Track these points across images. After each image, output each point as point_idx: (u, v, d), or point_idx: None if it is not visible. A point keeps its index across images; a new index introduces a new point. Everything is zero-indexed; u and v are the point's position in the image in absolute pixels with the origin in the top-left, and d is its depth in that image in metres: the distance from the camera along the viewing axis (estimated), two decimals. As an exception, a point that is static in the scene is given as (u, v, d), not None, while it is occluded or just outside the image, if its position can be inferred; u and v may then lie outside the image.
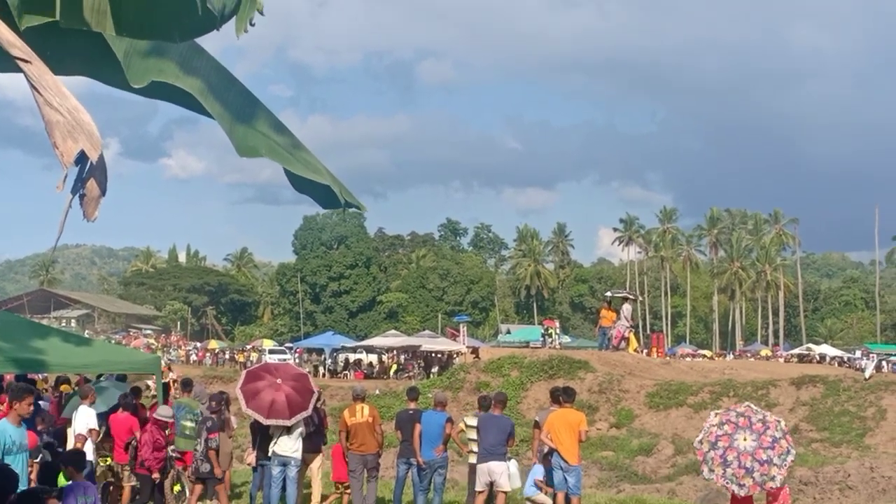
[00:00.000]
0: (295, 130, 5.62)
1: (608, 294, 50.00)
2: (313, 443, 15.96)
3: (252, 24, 4.81)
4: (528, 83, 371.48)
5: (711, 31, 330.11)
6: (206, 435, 14.79)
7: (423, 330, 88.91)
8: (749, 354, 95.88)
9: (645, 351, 49.44)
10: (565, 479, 14.59)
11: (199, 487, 15.22)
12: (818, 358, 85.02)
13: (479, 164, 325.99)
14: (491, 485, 15.02)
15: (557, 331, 66.17)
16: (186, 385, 17.75)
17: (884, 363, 71.36)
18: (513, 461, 15.42)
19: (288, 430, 14.86)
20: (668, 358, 57.63)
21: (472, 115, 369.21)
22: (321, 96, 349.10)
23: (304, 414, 14.98)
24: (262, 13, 4.81)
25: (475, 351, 54.34)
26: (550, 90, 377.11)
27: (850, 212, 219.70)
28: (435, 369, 56.13)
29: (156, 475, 15.14)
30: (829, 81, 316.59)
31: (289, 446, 14.89)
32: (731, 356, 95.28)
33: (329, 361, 68.88)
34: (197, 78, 5.29)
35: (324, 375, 61.90)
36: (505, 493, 15.08)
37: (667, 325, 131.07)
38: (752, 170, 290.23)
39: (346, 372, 63.60)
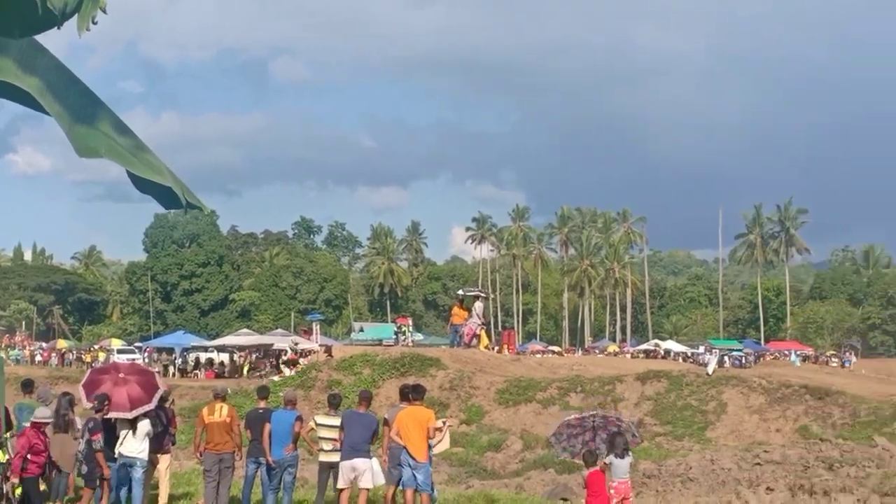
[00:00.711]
0: (145, 127, 5.62)
1: (460, 292, 50.35)
2: (161, 443, 15.72)
3: (95, 23, 4.79)
4: (382, 81, 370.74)
5: (564, 31, 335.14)
6: (89, 436, 14.37)
7: (276, 328, 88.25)
8: (597, 350, 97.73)
9: (496, 348, 50.02)
10: (414, 476, 14.69)
11: (88, 492, 14.77)
12: (664, 353, 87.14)
13: (334, 163, 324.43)
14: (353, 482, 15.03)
15: (410, 328, 66.36)
16: (27, 386, 17.26)
17: (726, 358, 73.54)
18: (375, 459, 15.45)
19: (133, 431, 14.61)
20: (518, 355, 58.42)
21: (327, 114, 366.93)
22: (173, 93, 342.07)
23: (147, 408, 14.70)
24: (104, 12, 4.79)
25: (328, 349, 54.16)
26: (405, 89, 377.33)
27: (695, 211, 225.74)
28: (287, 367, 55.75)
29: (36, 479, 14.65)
30: (676, 82, 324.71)
31: (134, 447, 14.62)
32: (580, 352, 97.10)
33: (179, 361, 67.84)
34: (36, 77, 5.24)
35: (174, 375, 60.95)
36: (367, 490, 15.11)
37: (518, 322, 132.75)
38: (602, 169, 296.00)
39: (197, 371, 62.78)
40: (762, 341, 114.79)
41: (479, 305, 44.47)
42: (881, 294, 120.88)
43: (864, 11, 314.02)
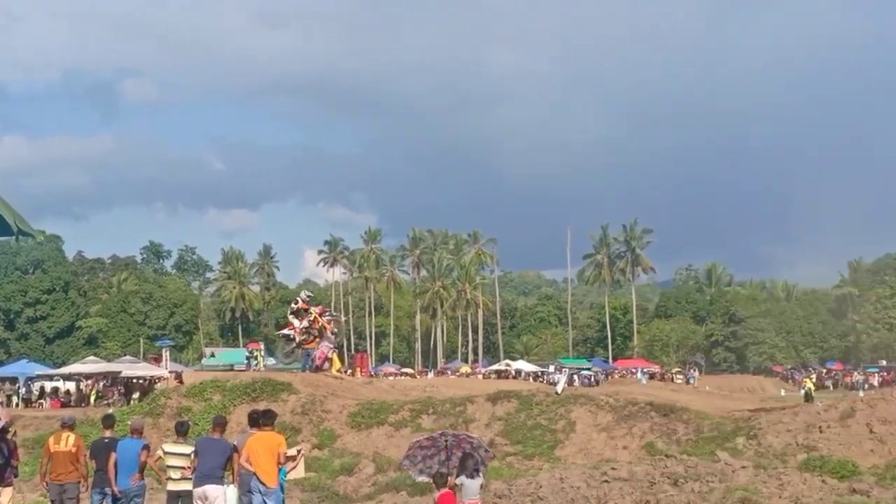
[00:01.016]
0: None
1: (312, 317, 50.13)
2: (2, 476, 15.30)
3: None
4: (233, 103, 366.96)
5: (415, 53, 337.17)
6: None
7: (125, 355, 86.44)
8: (450, 372, 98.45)
9: (349, 371, 50.00)
10: (264, 502, 14.65)
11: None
12: (515, 373, 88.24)
13: (184, 186, 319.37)
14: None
15: (262, 353, 65.88)
16: None
17: (575, 377, 74.89)
18: (231, 486, 15.28)
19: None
20: (371, 377, 58.49)
21: (177, 136, 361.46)
22: (17, 115, 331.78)
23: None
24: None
25: (178, 376, 53.29)
26: (256, 111, 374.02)
27: (545, 231, 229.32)
28: (136, 395, 54.66)
29: None
30: (525, 104, 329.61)
31: (-28, 480, 14.25)
32: (433, 374, 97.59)
33: (23, 390, 65.77)
34: None
35: (17, 405, 59.10)
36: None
37: (371, 344, 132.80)
38: (453, 191, 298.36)
39: (42, 401, 60.98)
40: (610, 359, 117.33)
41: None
42: (723, 311, 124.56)
43: (710, 37, 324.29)
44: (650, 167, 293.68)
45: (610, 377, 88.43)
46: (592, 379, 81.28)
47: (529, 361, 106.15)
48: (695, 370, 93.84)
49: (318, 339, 37.16)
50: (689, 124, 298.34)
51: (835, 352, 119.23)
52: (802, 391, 59.90)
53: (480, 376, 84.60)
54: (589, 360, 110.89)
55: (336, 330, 31.34)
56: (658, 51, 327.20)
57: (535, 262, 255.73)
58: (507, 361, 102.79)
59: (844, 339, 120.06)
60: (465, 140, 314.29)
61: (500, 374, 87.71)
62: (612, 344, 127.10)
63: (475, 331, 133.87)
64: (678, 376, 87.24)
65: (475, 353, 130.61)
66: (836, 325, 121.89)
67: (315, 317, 32.16)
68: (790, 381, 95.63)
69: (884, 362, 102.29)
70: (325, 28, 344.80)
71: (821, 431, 30.10)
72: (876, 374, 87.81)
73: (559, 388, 41.01)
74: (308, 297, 32.60)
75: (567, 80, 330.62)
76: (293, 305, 32.78)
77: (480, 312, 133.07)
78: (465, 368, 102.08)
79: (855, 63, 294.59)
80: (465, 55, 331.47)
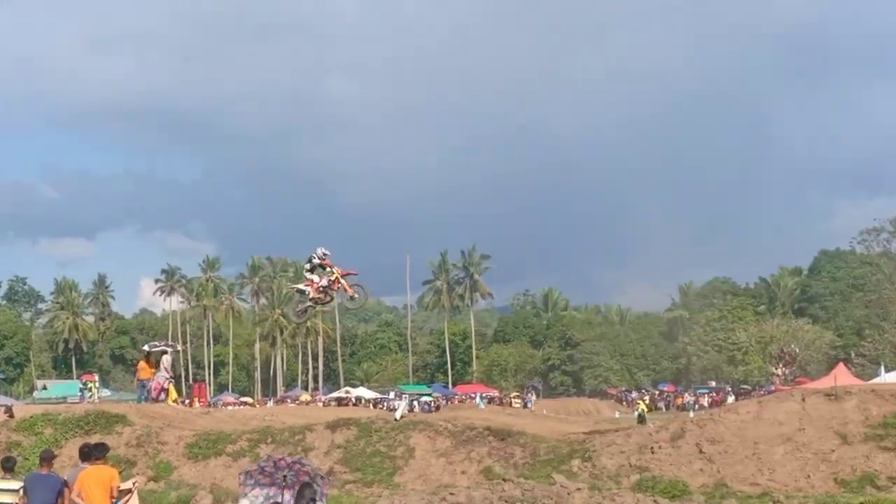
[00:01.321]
0: None
1: (146, 347, 49.23)
2: None
3: None
4: (66, 130, 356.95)
5: (253, 80, 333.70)
6: None
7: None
8: (290, 400, 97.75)
9: (186, 401, 49.27)
10: (95, 536, 14.40)
11: None
12: (355, 401, 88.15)
13: (14, 214, 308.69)
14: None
15: (97, 385, 64.43)
16: None
17: (415, 403, 75.27)
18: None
19: None
20: (209, 407, 57.71)
21: (7, 163, 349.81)
22: None
23: None
24: None
25: (9, 410, 51.57)
26: (90, 138, 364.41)
27: (384, 258, 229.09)
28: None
29: None
30: (363, 131, 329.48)
31: None
32: (273, 402, 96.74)
33: None
34: None
35: None
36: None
37: (210, 374, 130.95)
38: (293, 218, 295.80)
39: None
40: (450, 385, 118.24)
41: (166, 359, 43.78)
42: (560, 336, 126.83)
43: (539, 63, 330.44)
44: (487, 193, 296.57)
45: (450, 402, 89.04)
46: (432, 405, 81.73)
47: (370, 388, 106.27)
48: (532, 394, 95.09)
49: (330, 302, 35.85)
50: (523, 150, 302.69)
51: (667, 373, 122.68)
52: (636, 413, 61.46)
53: (320, 404, 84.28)
54: (429, 386, 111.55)
55: (357, 295, 30.02)
56: (490, 78, 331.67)
57: (375, 289, 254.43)
58: (347, 388, 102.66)
59: (676, 361, 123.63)
60: (304, 167, 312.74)
61: (341, 402, 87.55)
62: (452, 369, 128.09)
63: (315, 358, 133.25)
64: (516, 400, 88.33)
65: (315, 380, 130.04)
66: (668, 347, 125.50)
67: (336, 277, 30.38)
68: (624, 403, 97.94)
69: (713, 383, 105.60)
70: (160, 54, 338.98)
71: (653, 452, 30.91)
72: (706, 395, 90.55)
73: (398, 415, 41.17)
74: (325, 253, 30.86)
75: (403, 107, 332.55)
76: (313, 260, 30.83)
77: (320, 340, 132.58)
78: (306, 396, 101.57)
79: (678, 88, 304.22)
80: (303, 83, 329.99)
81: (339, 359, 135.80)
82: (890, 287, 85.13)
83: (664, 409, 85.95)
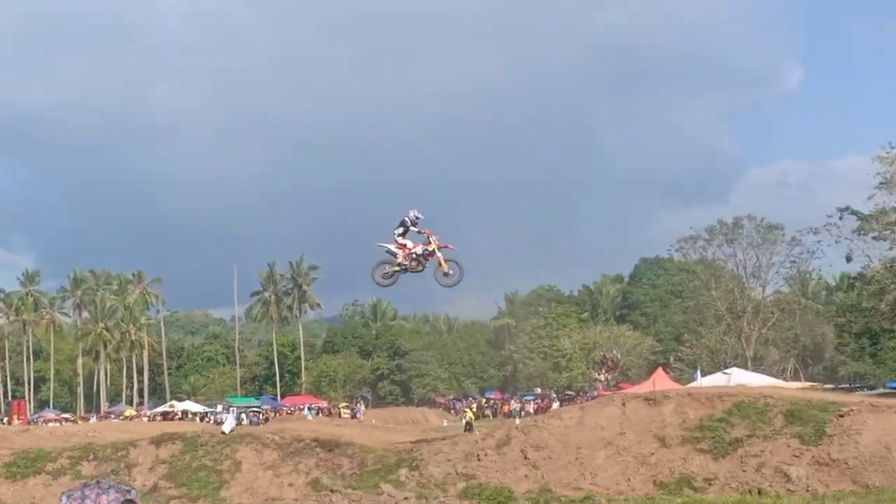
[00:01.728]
0: None
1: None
2: None
3: None
4: None
5: (75, 88, 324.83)
6: None
7: None
8: (114, 415, 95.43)
9: (5, 419, 47.67)
10: None
11: None
12: (181, 414, 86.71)
13: None
14: None
15: None
16: None
17: (243, 416, 74.45)
18: None
19: None
20: (29, 425, 55.95)
21: None
22: None
23: None
24: None
25: None
26: None
27: (212, 269, 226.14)
28: None
29: None
30: (190, 141, 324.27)
31: None
32: (96, 418, 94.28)
33: None
34: None
35: None
36: None
37: (30, 390, 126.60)
38: (118, 230, 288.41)
39: None
40: (279, 396, 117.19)
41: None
42: (388, 345, 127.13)
43: (359, 76, 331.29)
44: (314, 202, 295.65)
45: (278, 414, 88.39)
46: (261, 417, 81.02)
47: (197, 401, 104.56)
48: (361, 404, 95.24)
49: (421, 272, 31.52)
50: (351, 161, 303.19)
51: (494, 381, 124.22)
52: (463, 421, 62.13)
53: (146, 419, 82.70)
54: (257, 398, 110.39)
55: (450, 272, 27.38)
56: (317, 91, 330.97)
57: (202, 301, 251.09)
58: (173, 402, 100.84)
59: (503, 369, 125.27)
60: (128, 177, 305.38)
61: (167, 416, 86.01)
62: (281, 381, 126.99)
63: (140, 372, 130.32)
64: (345, 411, 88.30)
65: (141, 395, 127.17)
66: (495, 355, 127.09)
67: (433, 249, 27.50)
68: (452, 412, 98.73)
69: (539, 389, 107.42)
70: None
71: (479, 460, 31.38)
72: (532, 402, 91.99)
73: (226, 428, 40.76)
74: (418, 217, 27.46)
75: (228, 117, 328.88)
76: (406, 223, 27.42)
77: (146, 353, 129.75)
78: (130, 411, 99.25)
79: (502, 100, 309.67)
80: (127, 92, 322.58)
81: (165, 372, 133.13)
82: (706, 293, 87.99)
83: (491, 417, 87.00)
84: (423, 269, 28.86)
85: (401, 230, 27.96)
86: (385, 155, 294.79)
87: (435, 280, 29.21)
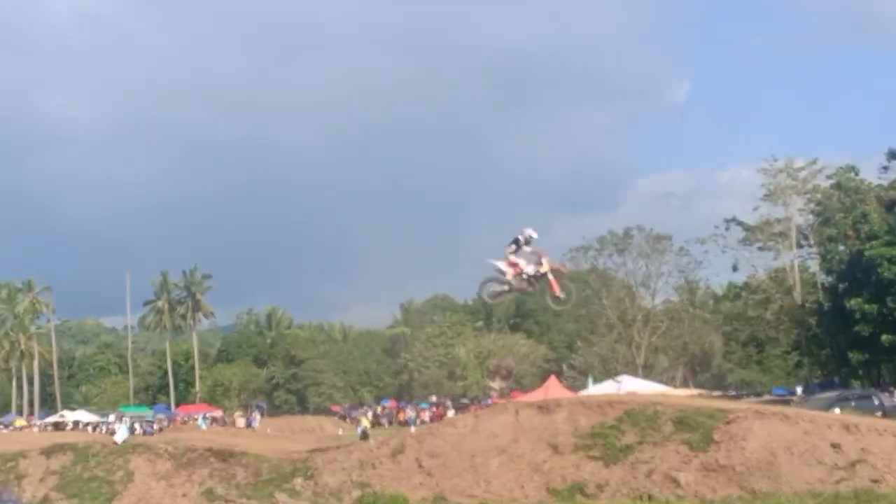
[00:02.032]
0: None
1: None
2: None
3: None
4: None
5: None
6: None
7: None
8: (3, 426, 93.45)
9: None
10: None
11: None
12: (72, 424, 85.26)
13: None
14: None
15: None
16: None
17: (137, 425, 73.48)
18: None
19: None
20: None
21: None
22: None
23: None
24: None
25: None
26: None
27: (104, 277, 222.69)
28: None
29: None
30: (79, 148, 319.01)
31: None
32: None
33: None
34: None
35: None
36: None
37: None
38: (6, 238, 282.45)
39: None
40: (172, 406, 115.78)
41: None
42: (284, 354, 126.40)
43: (254, 79, 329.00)
44: (208, 209, 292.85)
45: (172, 424, 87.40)
46: (155, 426, 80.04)
47: (89, 411, 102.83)
48: (256, 413, 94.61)
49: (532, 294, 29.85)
50: (244, 168, 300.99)
51: (390, 389, 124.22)
52: (359, 429, 62.18)
53: (36, 429, 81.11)
54: (151, 408, 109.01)
55: (562, 295, 26.04)
56: (209, 94, 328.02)
57: (94, 310, 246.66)
58: (64, 412, 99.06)
59: (398, 377, 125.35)
60: (17, 184, 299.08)
61: (58, 426, 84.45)
62: (175, 390, 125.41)
63: (31, 382, 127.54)
64: (240, 420, 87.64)
65: (31, 405, 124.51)
66: (391, 363, 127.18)
67: (545, 272, 26.03)
68: (348, 420, 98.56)
69: (434, 398, 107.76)
70: None
71: (374, 468, 31.54)
72: (427, 410, 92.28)
73: (119, 438, 40.32)
74: (532, 236, 25.86)
75: (117, 123, 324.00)
76: (519, 241, 25.83)
77: (36, 363, 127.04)
78: (21, 422, 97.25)
79: (394, 108, 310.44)
80: (9, 98, 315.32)
81: (57, 382, 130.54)
82: (598, 302, 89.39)
83: (387, 425, 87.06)
84: (533, 291, 28.49)
85: (513, 247, 26.73)
86: (275, 160, 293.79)
87: (547, 301, 28.36)
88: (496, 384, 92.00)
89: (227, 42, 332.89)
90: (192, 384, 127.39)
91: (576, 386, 71.48)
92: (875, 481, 26.39)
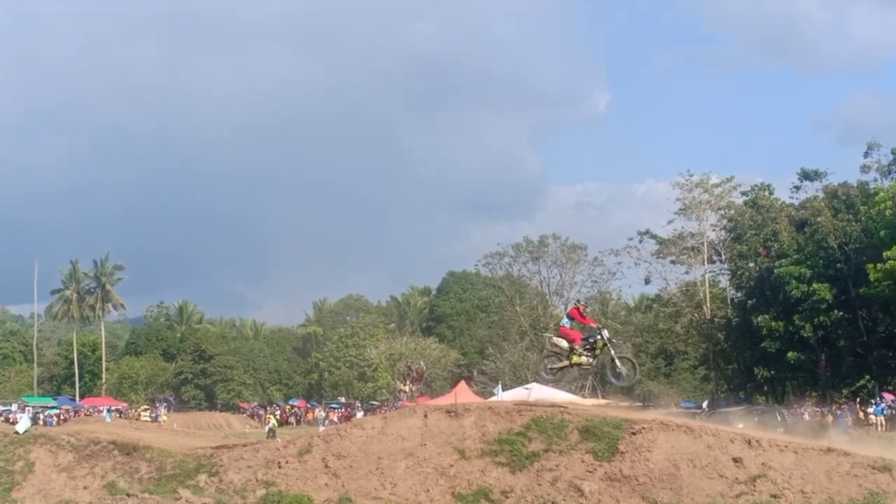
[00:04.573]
0: None
1: None
2: None
3: None
4: None
5: None
6: None
7: None
8: None
9: None
10: None
11: None
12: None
13: None
14: None
15: None
16: None
17: (40, 416, 72.23)
18: None
19: None
20: None
21: None
22: None
23: None
24: None
25: None
26: None
27: (12, 264, 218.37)
28: None
29: None
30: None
31: None
32: None
33: None
34: None
35: None
36: None
37: None
38: None
39: None
40: (77, 397, 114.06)
41: None
42: (193, 349, 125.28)
43: (174, 69, 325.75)
44: (120, 202, 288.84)
45: (77, 415, 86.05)
46: (58, 417, 78.73)
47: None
48: (163, 407, 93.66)
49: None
50: (157, 160, 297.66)
51: (299, 388, 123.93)
52: (266, 427, 61.91)
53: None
54: (55, 398, 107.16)
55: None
56: (123, 85, 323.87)
57: (1, 297, 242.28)
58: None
59: (308, 377, 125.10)
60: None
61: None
62: (80, 381, 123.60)
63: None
64: (146, 414, 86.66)
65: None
66: (301, 363, 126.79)
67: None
68: (256, 418, 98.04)
69: (343, 399, 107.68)
70: None
71: (279, 467, 31.36)
72: (336, 411, 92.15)
73: (20, 428, 39.54)
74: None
75: (29, 107, 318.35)
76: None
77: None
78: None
79: (309, 107, 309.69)
80: None
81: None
82: (511, 309, 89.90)
83: (295, 425, 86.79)
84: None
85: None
86: (192, 152, 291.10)
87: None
88: (406, 387, 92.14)
89: (145, 31, 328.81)
90: (99, 376, 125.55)
91: (485, 392, 71.78)
92: (774, 496, 26.86)
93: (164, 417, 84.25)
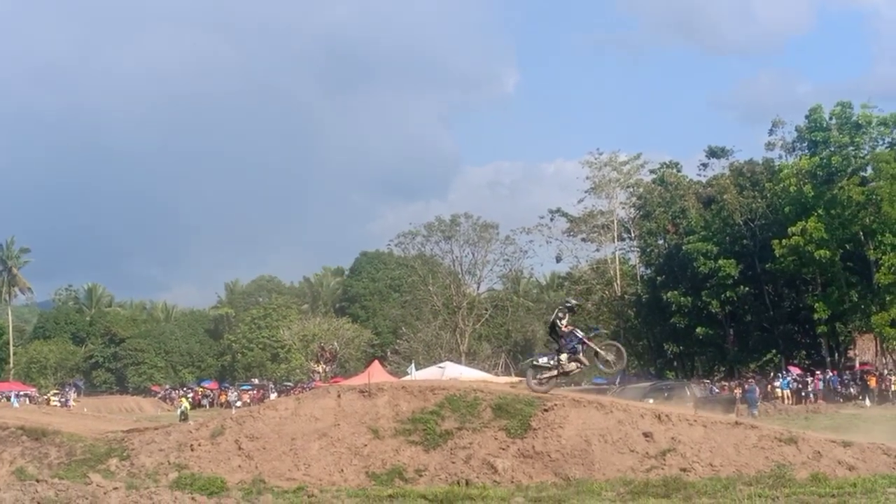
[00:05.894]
0: None
1: None
2: None
3: None
4: None
5: None
6: None
7: None
8: None
9: None
10: None
11: None
12: None
13: None
14: None
15: None
16: None
17: (-57, 402, 70.96)
18: None
19: None
20: None
21: None
22: None
23: None
24: None
25: None
26: None
27: None
28: None
29: None
30: None
31: None
32: None
33: None
34: None
35: None
36: None
37: None
38: None
39: None
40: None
41: None
42: (104, 332, 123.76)
43: (81, 51, 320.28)
44: (29, 182, 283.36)
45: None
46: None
47: None
48: (73, 392, 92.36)
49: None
50: (65, 138, 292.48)
51: (212, 371, 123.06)
52: (179, 410, 61.40)
53: None
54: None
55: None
56: (22, 60, 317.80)
57: None
58: None
59: (221, 359, 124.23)
60: None
61: None
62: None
63: None
64: (55, 399, 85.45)
65: None
66: (214, 344, 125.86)
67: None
68: (168, 401, 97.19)
69: (256, 380, 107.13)
70: None
71: (192, 450, 31.12)
72: (249, 392, 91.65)
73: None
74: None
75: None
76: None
77: None
78: None
79: (218, 90, 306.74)
80: None
81: None
82: (424, 288, 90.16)
83: (208, 407, 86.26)
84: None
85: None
86: (101, 134, 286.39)
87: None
88: (320, 367, 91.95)
89: (54, 11, 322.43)
90: (6, 361, 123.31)
91: (399, 372, 72.00)
92: (684, 470, 27.28)
93: (75, 402, 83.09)
